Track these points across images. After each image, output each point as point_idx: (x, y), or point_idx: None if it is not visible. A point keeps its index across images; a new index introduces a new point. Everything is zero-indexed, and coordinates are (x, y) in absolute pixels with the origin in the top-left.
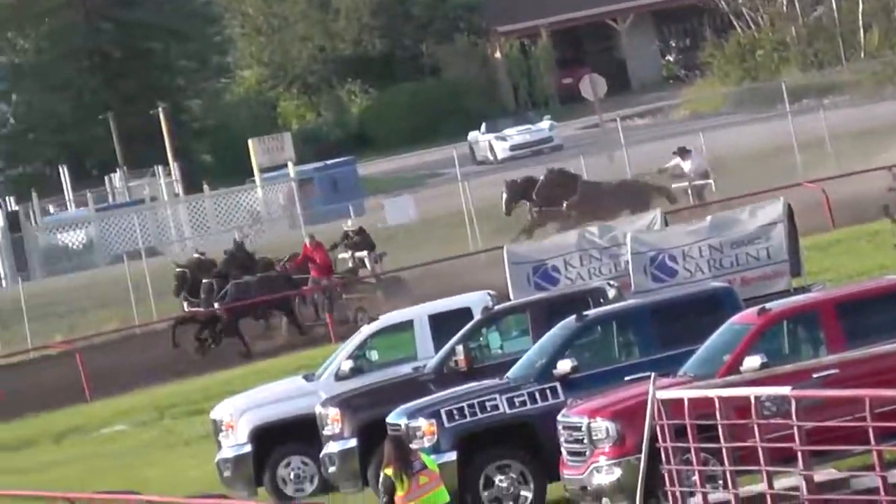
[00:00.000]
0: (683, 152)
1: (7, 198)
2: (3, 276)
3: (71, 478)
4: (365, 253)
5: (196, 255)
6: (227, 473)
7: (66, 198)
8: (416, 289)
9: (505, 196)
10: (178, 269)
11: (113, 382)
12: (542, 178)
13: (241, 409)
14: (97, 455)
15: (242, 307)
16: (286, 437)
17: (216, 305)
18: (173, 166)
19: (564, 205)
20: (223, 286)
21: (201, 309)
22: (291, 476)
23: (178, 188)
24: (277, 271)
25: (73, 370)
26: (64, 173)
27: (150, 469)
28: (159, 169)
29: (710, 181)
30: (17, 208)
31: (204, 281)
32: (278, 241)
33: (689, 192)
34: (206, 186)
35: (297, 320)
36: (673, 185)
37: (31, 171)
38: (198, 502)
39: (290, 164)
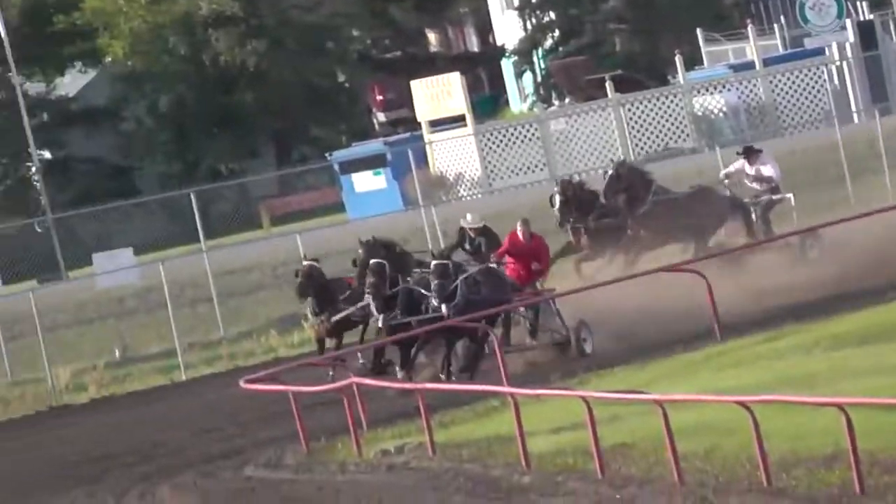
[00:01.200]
0: (751, 153)
1: (860, 3)
2: (855, 108)
3: None
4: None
5: (308, 263)
6: None
7: None
8: None
9: (558, 198)
10: (373, 262)
11: None
12: (608, 174)
13: None
14: None
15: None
16: None
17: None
18: None
19: (630, 218)
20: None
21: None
22: None
23: None
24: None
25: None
26: None
27: None
28: None
29: (790, 195)
30: (871, 17)
31: (442, 262)
32: None
33: (754, 209)
34: None
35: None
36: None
37: None
38: None
39: None
